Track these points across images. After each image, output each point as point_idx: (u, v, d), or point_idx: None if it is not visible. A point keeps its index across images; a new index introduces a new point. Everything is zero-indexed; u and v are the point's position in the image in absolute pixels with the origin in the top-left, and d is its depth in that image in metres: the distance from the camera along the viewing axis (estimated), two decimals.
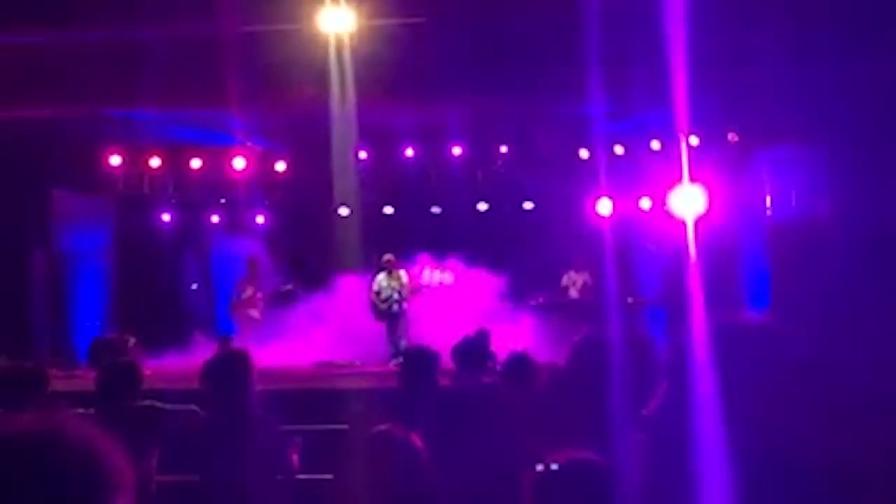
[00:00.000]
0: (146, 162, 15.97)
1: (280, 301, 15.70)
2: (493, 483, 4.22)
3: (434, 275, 15.64)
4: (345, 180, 15.46)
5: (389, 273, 14.30)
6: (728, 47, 12.97)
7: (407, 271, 14.67)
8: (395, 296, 14.22)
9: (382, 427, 4.12)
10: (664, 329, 14.33)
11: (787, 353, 3.10)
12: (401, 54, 12.71)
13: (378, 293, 14.45)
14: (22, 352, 9.91)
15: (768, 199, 15.80)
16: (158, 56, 13.28)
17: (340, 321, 14.39)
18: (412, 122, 15.78)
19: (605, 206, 16.59)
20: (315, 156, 15.38)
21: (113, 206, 16.02)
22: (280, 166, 16.34)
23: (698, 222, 15.84)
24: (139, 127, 15.30)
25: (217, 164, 16.20)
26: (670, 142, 15.80)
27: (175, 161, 16.18)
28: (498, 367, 13.22)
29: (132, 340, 13.48)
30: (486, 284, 15.05)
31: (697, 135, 15.58)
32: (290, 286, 15.95)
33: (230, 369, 5.51)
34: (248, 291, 15.68)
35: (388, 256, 14.36)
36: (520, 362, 6.75)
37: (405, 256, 15.06)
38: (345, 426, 7.14)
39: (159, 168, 16.12)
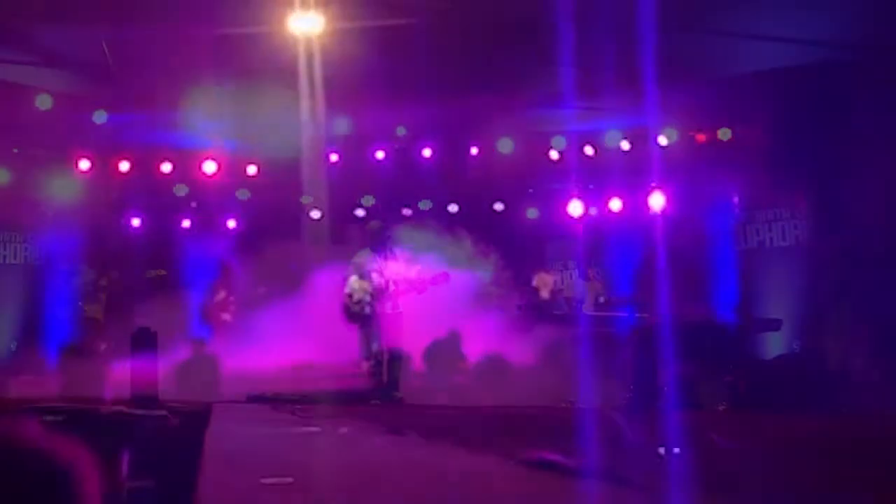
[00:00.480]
0: (116, 166, 15.87)
1: (252, 304, 15.67)
2: None
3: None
4: (315, 183, 15.45)
5: (361, 275, 14.26)
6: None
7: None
8: (367, 298, 14.18)
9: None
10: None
11: None
12: (370, 57, 12.74)
13: (350, 295, 14.43)
14: None
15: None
16: (128, 58, 13.29)
17: (313, 324, 14.37)
18: (382, 124, 15.78)
19: (575, 207, 16.71)
20: (286, 159, 15.36)
21: (82, 210, 15.90)
22: (251, 169, 16.30)
23: (668, 221, 16.00)
24: (108, 131, 15.23)
25: (187, 167, 16.14)
26: (640, 141, 15.91)
27: (145, 165, 16.08)
28: (469, 368, 13.42)
29: (103, 346, 13.57)
30: (458, 285, 15.06)
31: (667, 134, 15.69)
32: (261, 289, 15.93)
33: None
34: (221, 295, 15.66)
35: (360, 259, 14.32)
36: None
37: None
38: (317, 429, 7.15)
39: (129, 172, 16.01)
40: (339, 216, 16.23)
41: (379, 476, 3.56)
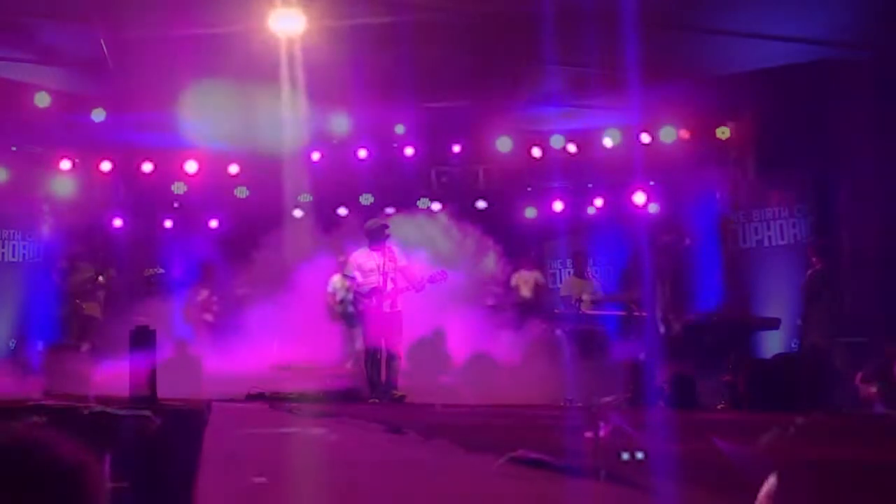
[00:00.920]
0: (97, 166, 15.78)
1: (234, 304, 15.63)
2: None
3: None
4: (298, 182, 15.41)
5: (344, 274, 14.22)
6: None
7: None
8: (350, 297, 14.14)
9: None
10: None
11: None
12: (352, 55, 12.71)
13: (333, 294, 14.43)
14: None
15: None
16: (111, 58, 13.23)
17: (296, 324, 14.34)
18: (364, 123, 15.75)
19: (558, 205, 16.77)
20: (268, 158, 15.31)
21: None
22: (233, 169, 16.23)
23: (663, 219, 16.05)
24: (90, 131, 15.17)
25: (169, 167, 16.06)
26: (623, 139, 15.95)
27: (126, 165, 15.99)
28: (455, 367, 13.40)
29: (85, 346, 13.49)
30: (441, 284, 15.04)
31: (649, 132, 15.72)
32: (242, 289, 15.88)
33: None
34: (203, 294, 15.61)
35: (342, 258, 14.29)
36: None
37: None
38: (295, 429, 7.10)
39: (110, 172, 15.92)
40: (322, 215, 16.18)
41: (377, 476, 3.52)
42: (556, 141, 16.23)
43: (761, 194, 15.10)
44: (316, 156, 15.95)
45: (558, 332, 14.52)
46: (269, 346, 14.39)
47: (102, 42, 12.75)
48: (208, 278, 15.79)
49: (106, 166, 15.74)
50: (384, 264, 12.07)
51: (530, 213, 17.28)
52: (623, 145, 15.99)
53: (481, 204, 16.68)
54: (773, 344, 13.29)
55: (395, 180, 16.34)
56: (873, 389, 8.74)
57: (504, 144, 16.18)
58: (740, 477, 3.26)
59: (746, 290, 14.79)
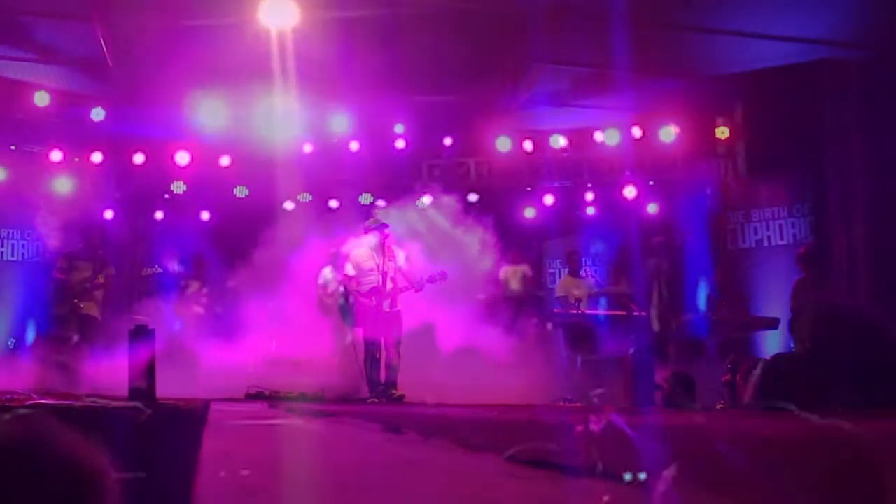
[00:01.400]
0: (88, 158, 15.72)
1: (225, 297, 15.60)
2: None
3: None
4: (289, 174, 15.39)
5: (335, 267, 14.19)
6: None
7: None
8: (341, 289, 14.11)
9: None
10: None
11: None
12: (343, 47, 12.70)
13: (324, 287, 14.39)
14: None
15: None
16: (108, 54, 13.22)
17: (287, 316, 14.31)
18: (357, 116, 15.74)
19: (548, 199, 16.78)
20: (259, 150, 15.30)
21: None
22: (224, 161, 16.18)
23: (646, 216, 16.08)
24: (89, 128, 15.16)
25: (160, 159, 16.01)
26: (618, 137, 15.98)
27: (117, 157, 15.93)
28: (444, 362, 13.38)
29: (75, 338, 13.46)
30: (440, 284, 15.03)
31: (644, 130, 15.75)
32: (231, 282, 15.84)
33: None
34: (194, 287, 15.59)
35: (333, 250, 14.27)
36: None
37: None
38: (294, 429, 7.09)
39: (101, 164, 15.86)
40: (314, 208, 16.17)
41: (377, 475, 3.52)
42: (552, 139, 16.26)
43: (756, 193, 15.14)
44: (308, 148, 15.92)
45: (549, 326, 14.56)
46: (259, 340, 14.37)
47: (101, 39, 12.75)
48: (199, 270, 15.78)
49: (97, 157, 15.67)
50: (384, 263, 12.05)
51: (528, 212, 17.30)
52: (618, 143, 16.03)
53: (472, 197, 16.63)
54: (772, 344, 13.34)
55: (387, 174, 16.32)
56: None
57: (502, 144, 16.24)
58: (739, 476, 3.27)
59: (746, 289, 14.85)
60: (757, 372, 6.63)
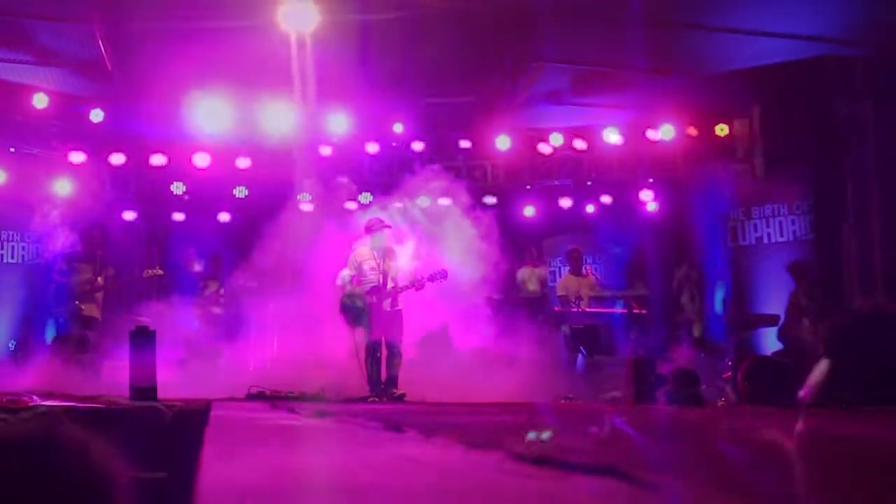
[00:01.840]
0: (107, 159, 15.77)
1: (243, 298, 15.63)
2: None
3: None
4: (308, 176, 15.42)
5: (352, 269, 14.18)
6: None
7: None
8: (359, 291, 14.10)
9: None
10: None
11: None
12: (362, 50, 12.74)
13: (342, 287, 14.40)
14: None
15: None
16: (114, 57, 13.29)
17: (305, 317, 14.32)
18: (373, 117, 15.75)
19: (558, 201, 16.75)
20: (278, 152, 15.33)
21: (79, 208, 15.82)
22: (243, 162, 16.20)
23: (662, 216, 16.04)
24: (102, 124, 15.20)
25: (179, 160, 16.04)
26: (630, 136, 15.93)
27: (138, 158, 15.98)
28: (461, 361, 13.38)
29: (92, 336, 13.55)
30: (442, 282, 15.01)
31: (650, 129, 15.70)
32: (252, 283, 15.87)
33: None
34: (212, 287, 15.63)
35: (351, 252, 14.26)
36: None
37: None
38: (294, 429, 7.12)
39: (122, 165, 15.90)
40: (332, 210, 16.18)
41: (378, 475, 3.54)
42: (556, 139, 16.22)
43: (763, 191, 15.10)
44: (327, 150, 15.95)
45: (564, 328, 14.54)
46: (278, 340, 14.42)
47: (100, 41, 12.81)
48: (217, 271, 15.82)
49: (118, 159, 15.72)
50: (384, 262, 12.10)
51: (528, 210, 17.24)
52: (624, 142, 15.98)
53: (490, 200, 16.60)
54: (772, 340, 13.33)
55: (389, 173, 16.30)
56: None
57: (503, 142, 16.19)
58: (742, 474, 3.28)
59: (746, 287, 14.83)
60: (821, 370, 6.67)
